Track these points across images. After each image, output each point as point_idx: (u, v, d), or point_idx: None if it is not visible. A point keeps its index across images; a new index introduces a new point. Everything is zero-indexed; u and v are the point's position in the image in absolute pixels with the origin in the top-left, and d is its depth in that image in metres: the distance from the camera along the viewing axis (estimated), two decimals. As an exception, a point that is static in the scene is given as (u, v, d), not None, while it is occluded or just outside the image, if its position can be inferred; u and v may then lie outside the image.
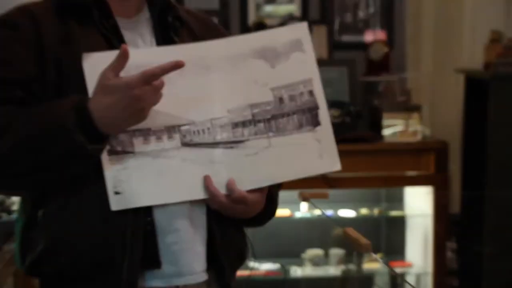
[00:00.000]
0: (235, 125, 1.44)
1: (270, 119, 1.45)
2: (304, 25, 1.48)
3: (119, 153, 1.39)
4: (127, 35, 1.46)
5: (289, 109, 1.45)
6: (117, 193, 1.38)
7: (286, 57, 1.46)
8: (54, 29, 1.42)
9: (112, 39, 1.43)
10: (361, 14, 4.03)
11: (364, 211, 3.80)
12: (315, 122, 1.46)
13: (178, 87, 1.41)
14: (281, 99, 1.45)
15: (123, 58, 1.31)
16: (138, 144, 1.39)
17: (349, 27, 4.04)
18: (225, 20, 3.88)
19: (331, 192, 2.85)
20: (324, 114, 1.47)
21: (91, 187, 1.39)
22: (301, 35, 1.47)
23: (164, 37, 1.50)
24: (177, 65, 1.33)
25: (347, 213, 3.77)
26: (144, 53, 1.42)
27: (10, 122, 1.33)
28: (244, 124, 1.44)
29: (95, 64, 1.36)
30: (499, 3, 3.90)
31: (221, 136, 1.43)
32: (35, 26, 1.42)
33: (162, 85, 1.33)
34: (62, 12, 1.44)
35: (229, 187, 1.43)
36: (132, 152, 1.39)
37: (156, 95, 1.34)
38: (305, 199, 2.27)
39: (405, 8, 4.06)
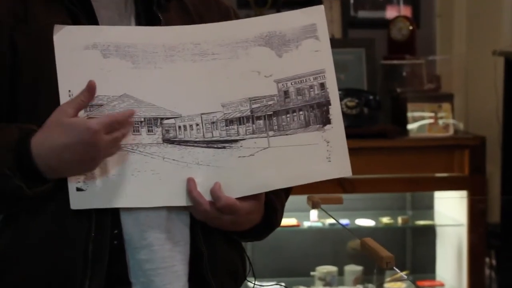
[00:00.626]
0: (230, 122, 1.42)
1: (271, 115, 1.44)
2: (320, 8, 1.48)
3: None
4: (100, 11, 1.44)
5: (295, 105, 1.45)
6: (79, 189, 1.36)
7: (296, 45, 1.46)
8: (10, 3, 1.40)
9: (80, 17, 1.41)
10: (380, -14, 4.00)
11: (385, 220, 3.69)
12: (325, 120, 1.46)
13: (164, 73, 1.41)
14: (286, 93, 1.45)
15: (87, 94, 1.34)
16: None
17: (367, 1, 3.93)
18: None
19: (346, 197, 2.71)
20: (336, 111, 1.46)
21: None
22: (316, 19, 1.47)
23: (147, 14, 1.48)
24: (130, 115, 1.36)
25: (365, 222, 3.68)
26: (122, 32, 1.42)
27: None
28: (240, 121, 1.43)
29: (66, 38, 1.38)
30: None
31: (212, 134, 1.42)
32: None
33: (123, 137, 1.35)
34: None
35: (214, 193, 1.40)
36: None
37: (114, 146, 1.35)
38: (315, 205, 2.17)
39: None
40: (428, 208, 3.73)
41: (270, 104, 1.43)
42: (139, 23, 1.48)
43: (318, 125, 1.45)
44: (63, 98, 1.36)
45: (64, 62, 1.36)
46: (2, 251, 1.39)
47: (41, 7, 1.40)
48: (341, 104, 1.54)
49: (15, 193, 1.33)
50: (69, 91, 1.36)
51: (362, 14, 3.90)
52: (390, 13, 3.91)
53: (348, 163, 1.47)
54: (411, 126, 3.53)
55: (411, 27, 3.77)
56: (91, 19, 1.41)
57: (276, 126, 1.43)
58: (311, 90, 1.45)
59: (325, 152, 1.45)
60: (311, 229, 3.65)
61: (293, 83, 1.44)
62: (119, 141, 1.35)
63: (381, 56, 3.79)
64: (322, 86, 1.45)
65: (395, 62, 3.75)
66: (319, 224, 3.63)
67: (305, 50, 1.46)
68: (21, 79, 1.37)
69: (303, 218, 3.60)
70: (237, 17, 1.59)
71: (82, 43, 1.38)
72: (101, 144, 1.31)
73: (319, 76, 1.45)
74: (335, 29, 3.80)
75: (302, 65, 1.45)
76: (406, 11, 3.89)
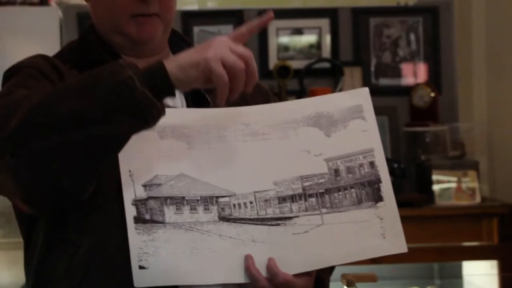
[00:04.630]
0: (283, 199, 1.54)
1: (323, 193, 1.55)
2: (365, 90, 1.62)
3: (147, 222, 1.48)
4: None
5: (346, 183, 1.56)
6: (142, 267, 1.46)
7: (344, 125, 1.59)
8: (51, 80, 1.55)
9: None
10: (401, 53, 4.11)
11: (413, 290, 3.86)
12: (377, 197, 1.57)
13: (218, 153, 1.55)
14: (336, 171, 1.56)
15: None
16: (170, 213, 1.49)
17: (388, 68, 4.12)
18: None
19: (374, 268, 2.96)
20: (387, 188, 1.58)
21: (109, 262, 1.48)
22: (362, 100, 1.61)
23: (194, 94, 1.61)
24: (268, 19, 1.46)
25: (393, 293, 3.85)
26: (178, 114, 1.55)
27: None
28: (293, 198, 1.55)
29: None
30: None
31: (265, 211, 1.53)
32: (59, 75, 1.55)
33: (237, 58, 1.41)
34: (81, 68, 1.56)
35: (272, 270, 1.49)
36: (162, 222, 1.49)
37: (227, 54, 1.41)
38: (349, 283, 2.31)
39: (453, 43, 4.13)
40: (456, 279, 3.81)
41: (321, 182, 1.55)
42: (186, 103, 1.61)
43: (370, 202, 1.56)
44: (124, 178, 1.48)
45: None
46: None
47: None
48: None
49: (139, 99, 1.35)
50: (129, 171, 1.49)
51: (384, 81, 4.07)
52: (411, 79, 4.07)
53: (403, 239, 1.56)
54: (436, 194, 3.68)
55: (432, 94, 3.93)
56: None
57: (328, 204, 1.54)
58: (361, 168, 1.57)
59: (379, 229, 1.55)
60: (336, 304, 3.81)
61: (342, 162, 1.56)
62: (232, 56, 1.40)
63: (403, 123, 3.96)
64: (372, 164, 1.57)
65: (418, 129, 3.89)
66: (344, 299, 3.78)
67: (353, 130, 1.59)
68: None
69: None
70: (274, 100, 1.73)
71: None
72: (220, 43, 1.40)
73: (368, 155, 1.58)
74: (356, 97, 4.03)
75: (351, 144, 1.58)
76: (424, 69, 4.05)
